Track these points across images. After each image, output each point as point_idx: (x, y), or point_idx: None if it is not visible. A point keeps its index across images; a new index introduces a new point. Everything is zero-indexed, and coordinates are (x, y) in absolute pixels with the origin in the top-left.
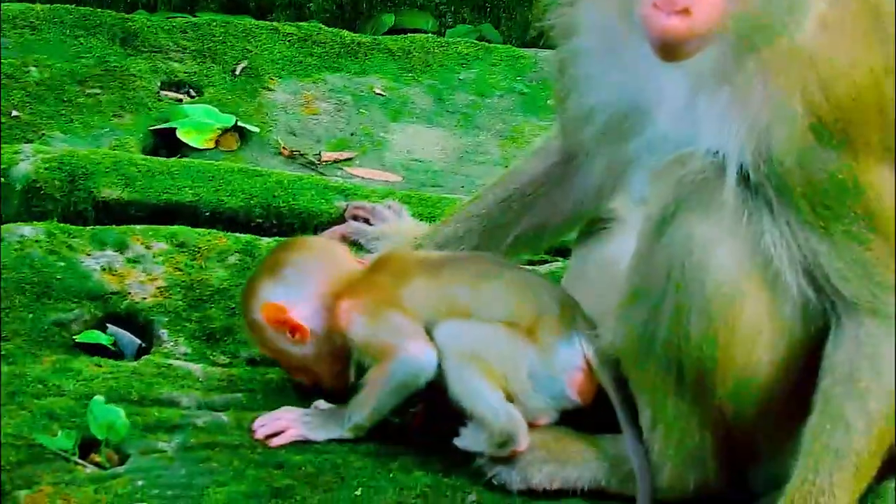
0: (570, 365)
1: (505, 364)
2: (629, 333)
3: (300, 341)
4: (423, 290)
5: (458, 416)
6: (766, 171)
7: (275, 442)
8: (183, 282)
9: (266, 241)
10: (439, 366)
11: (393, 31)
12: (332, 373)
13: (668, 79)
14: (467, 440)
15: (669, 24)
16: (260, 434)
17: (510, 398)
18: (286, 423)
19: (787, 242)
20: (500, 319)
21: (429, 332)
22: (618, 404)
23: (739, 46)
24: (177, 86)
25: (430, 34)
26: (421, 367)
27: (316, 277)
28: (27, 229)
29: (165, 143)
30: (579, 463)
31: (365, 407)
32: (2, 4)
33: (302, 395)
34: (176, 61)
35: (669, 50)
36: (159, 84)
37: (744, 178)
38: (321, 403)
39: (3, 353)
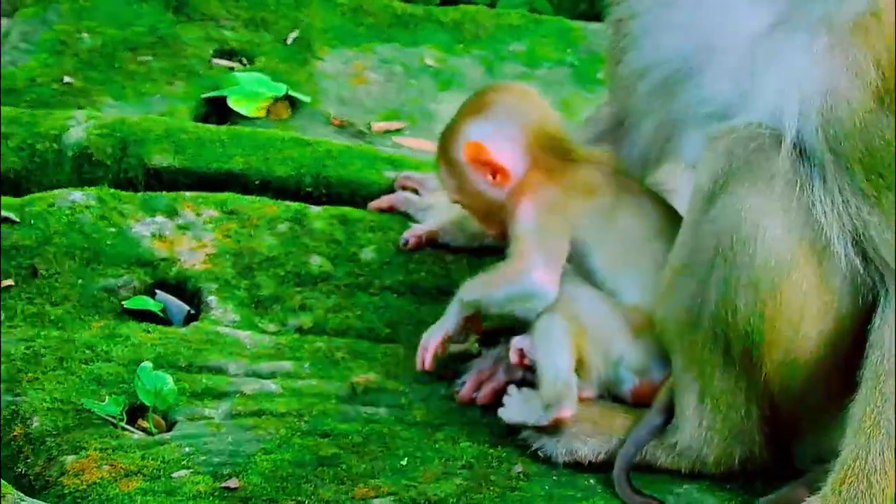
0: (647, 376)
1: (601, 344)
2: (677, 306)
3: (501, 183)
4: (598, 215)
5: (504, 389)
6: (826, 134)
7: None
8: (232, 249)
9: (315, 210)
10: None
11: (444, 1)
12: None
13: (728, 35)
14: (511, 412)
15: None
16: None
17: (580, 362)
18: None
19: (839, 212)
20: (629, 302)
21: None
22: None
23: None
24: (229, 54)
25: (480, 5)
26: (537, 295)
27: (522, 122)
28: (78, 195)
29: (216, 111)
30: (624, 436)
31: (476, 292)
32: None
33: (350, 361)
34: (228, 29)
35: None
36: (211, 52)
37: (797, 143)
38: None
39: (52, 318)
